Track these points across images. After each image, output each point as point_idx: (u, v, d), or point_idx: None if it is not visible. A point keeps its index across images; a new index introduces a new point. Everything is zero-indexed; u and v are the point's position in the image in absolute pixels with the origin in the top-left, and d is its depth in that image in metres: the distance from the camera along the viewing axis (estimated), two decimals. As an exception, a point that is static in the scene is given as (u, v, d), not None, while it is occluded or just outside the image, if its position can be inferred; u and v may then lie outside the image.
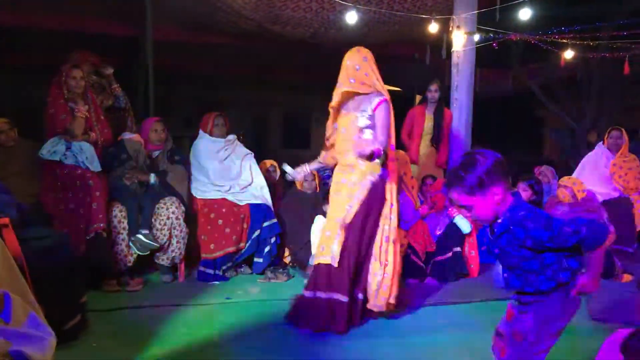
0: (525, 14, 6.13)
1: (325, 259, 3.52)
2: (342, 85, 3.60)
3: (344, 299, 3.45)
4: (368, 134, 3.57)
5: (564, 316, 2.00)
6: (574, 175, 5.66)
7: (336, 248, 3.49)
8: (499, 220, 2.03)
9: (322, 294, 3.49)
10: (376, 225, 3.59)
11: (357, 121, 3.58)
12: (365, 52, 3.62)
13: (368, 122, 3.56)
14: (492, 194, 1.97)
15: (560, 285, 1.97)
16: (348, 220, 3.53)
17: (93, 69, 5.02)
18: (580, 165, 5.88)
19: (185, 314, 3.74)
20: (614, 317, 3.67)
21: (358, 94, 3.61)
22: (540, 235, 1.92)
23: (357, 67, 3.57)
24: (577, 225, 1.88)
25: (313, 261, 4.55)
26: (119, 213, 4.28)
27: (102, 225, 4.09)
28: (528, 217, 1.96)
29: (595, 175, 5.57)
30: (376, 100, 3.57)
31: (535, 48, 7.56)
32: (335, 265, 3.48)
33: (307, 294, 3.55)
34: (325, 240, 3.58)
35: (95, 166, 4.24)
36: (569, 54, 7.41)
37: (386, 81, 3.68)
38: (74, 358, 2.92)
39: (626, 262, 4.95)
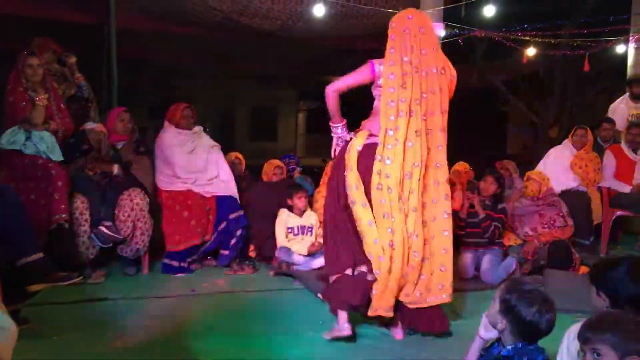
0: (489, 11, 6.27)
1: None
2: None
3: None
4: None
5: None
6: (539, 166, 5.80)
7: None
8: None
9: None
10: None
11: None
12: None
13: None
14: None
15: None
16: None
17: (55, 57, 4.89)
18: (545, 156, 6.02)
19: (149, 307, 3.70)
20: (570, 307, 3.79)
21: None
22: None
23: None
24: None
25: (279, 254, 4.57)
26: (81, 204, 4.19)
27: (64, 215, 3.99)
28: None
29: (556, 165, 5.71)
30: None
31: (499, 45, 7.72)
32: None
33: None
34: None
35: (57, 156, 4.13)
36: (531, 51, 7.59)
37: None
38: (35, 352, 2.85)
39: (583, 254, 5.10)
